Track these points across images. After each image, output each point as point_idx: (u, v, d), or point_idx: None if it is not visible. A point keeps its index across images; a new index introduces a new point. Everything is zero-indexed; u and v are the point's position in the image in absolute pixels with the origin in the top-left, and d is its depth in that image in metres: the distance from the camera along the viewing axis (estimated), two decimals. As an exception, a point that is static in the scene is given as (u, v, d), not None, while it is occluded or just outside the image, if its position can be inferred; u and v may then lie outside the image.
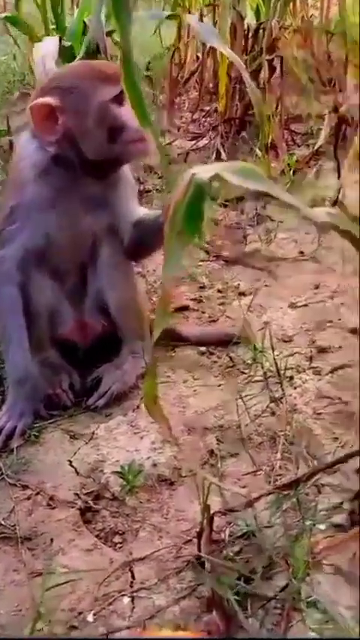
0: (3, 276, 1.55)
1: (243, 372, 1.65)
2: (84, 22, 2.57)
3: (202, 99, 3.59)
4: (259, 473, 1.35)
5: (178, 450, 1.38)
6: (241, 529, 1.19)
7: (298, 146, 3.24)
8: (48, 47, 2.03)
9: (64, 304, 1.62)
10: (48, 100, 1.46)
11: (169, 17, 2.77)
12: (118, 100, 1.45)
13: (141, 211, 1.65)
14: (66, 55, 2.32)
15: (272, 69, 3.12)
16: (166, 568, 1.16)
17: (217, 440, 1.44)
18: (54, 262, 1.59)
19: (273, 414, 1.49)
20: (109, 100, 1.45)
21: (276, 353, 1.59)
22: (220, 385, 1.61)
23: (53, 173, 1.52)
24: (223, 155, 2.97)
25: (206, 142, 3.24)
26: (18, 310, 1.55)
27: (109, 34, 2.44)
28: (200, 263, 2.22)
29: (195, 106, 3.64)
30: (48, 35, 2.62)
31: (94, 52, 2.19)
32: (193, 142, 3.26)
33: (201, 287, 2.08)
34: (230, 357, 1.70)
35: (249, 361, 1.67)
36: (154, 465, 1.36)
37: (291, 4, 3.38)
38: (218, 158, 2.95)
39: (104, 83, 1.45)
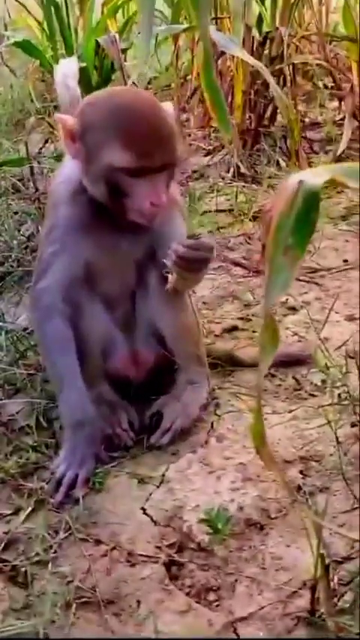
0: (47, 309, 1.44)
1: (312, 395, 1.53)
2: (96, 42, 2.49)
3: (210, 114, 3.50)
4: (355, 506, 1.22)
5: (263, 489, 1.25)
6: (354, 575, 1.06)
7: (316, 153, 3.15)
8: (68, 67, 1.94)
9: (117, 335, 1.51)
10: (68, 119, 1.35)
11: (185, 30, 2.68)
12: (136, 172, 1.29)
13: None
14: (81, 77, 2.22)
15: (279, 76, 3.04)
16: (274, 628, 1.03)
17: (302, 473, 1.31)
18: (103, 290, 1.48)
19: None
20: (119, 167, 1.28)
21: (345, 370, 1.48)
22: (290, 411, 1.49)
23: (87, 193, 1.39)
24: (243, 168, 2.87)
25: (221, 156, 3.14)
26: (68, 345, 1.43)
27: (124, 51, 2.35)
28: (240, 279, 2.11)
29: (204, 122, 3.55)
30: (57, 58, 2.53)
31: (109, 70, 2.09)
32: (208, 157, 3.17)
33: (246, 305, 1.96)
34: (296, 379, 1.58)
35: (317, 382, 1.55)
36: (240, 507, 1.23)
37: (296, 11, 3.30)
38: (238, 172, 2.86)
39: (124, 148, 1.27)
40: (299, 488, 1.28)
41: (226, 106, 0.86)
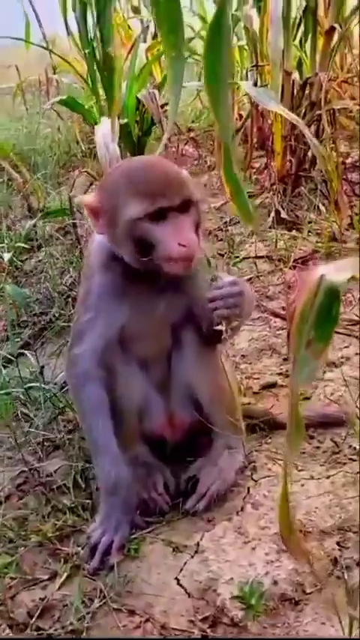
0: (83, 375, 1.46)
1: (351, 460, 1.50)
2: (137, 98, 2.55)
3: (251, 156, 3.53)
4: (393, 584, 1.19)
5: (298, 562, 1.23)
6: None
7: (358, 196, 3.13)
8: (107, 127, 1.99)
9: (153, 397, 1.52)
10: (89, 199, 1.41)
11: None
12: (156, 216, 1.32)
13: None
14: (122, 132, 2.28)
15: (319, 120, 3.05)
16: None
17: (339, 545, 1.28)
18: (139, 352, 1.49)
19: None
20: (139, 217, 1.32)
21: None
22: (329, 477, 1.46)
23: (119, 260, 1.41)
24: (283, 214, 2.87)
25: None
26: (103, 410, 1.45)
27: (163, 106, 2.40)
28: (279, 332, 2.10)
29: (244, 165, 3.57)
30: (100, 111, 2.60)
31: (150, 124, 2.13)
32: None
33: (285, 359, 1.95)
34: (334, 442, 1.56)
35: (356, 446, 1.52)
36: (275, 582, 1.21)
37: (337, 55, 3.32)
38: (278, 217, 2.86)
39: (139, 198, 1.32)
40: (336, 561, 1.25)
41: (246, 197, 0.87)
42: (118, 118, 2.26)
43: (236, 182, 0.90)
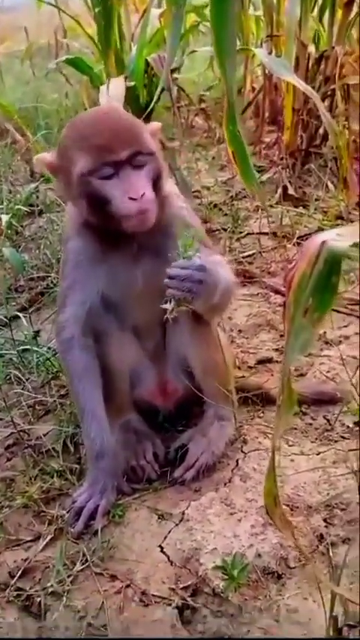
0: (67, 342, 1.44)
1: (343, 438, 1.49)
2: (146, 60, 2.49)
3: (262, 130, 3.47)
4: (378, 562, 1.18)
5: (283, 536, 1.22)
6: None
7: (368, 176, 3.08)
8: (114, 88, 1.94)
9: (146, 365, 1.50)
10: (47, 157, 1.35)
11: (238, 51, 2.65)
12: (105, 172, 1.26)
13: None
14: (129, 95, 2.23)
15: (333, 95, 2.99)
16: None
17: (326, 521, 1.27)
18: (131, 321, 1.47)
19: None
20: (87, 173, 1.26)
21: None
22: (319, 453, 1.45)
23: (93, 224, 1.35)
24: (291, 190, 2.83)
25: (269, 175, 3.11)
26: (90, 376, 1.43)
27: (172, 71, 2.34)
28: (278, 308, 2.07)
29: (254, 139, 3.52)
30: (108, 74, 2.54)
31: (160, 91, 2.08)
32: (257, 175, 3.12)
33: (282, 335, 1.92)
34: (327, 420, 1.54)
35: (349, 424, 1.51)
36: (259, 555, 1.20)
37: (353, 28, 3.24)
38: (286, 193, 2.82)
39: (85, 153, 1.26)
40: (321, 537, 1.24)
41: (249, 160, 0.84)
42: (126, 79, 2.21)
43: (240, 144, 0.88)
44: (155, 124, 1.39)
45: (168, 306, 1.23)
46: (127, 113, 1.36)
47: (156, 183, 1.30)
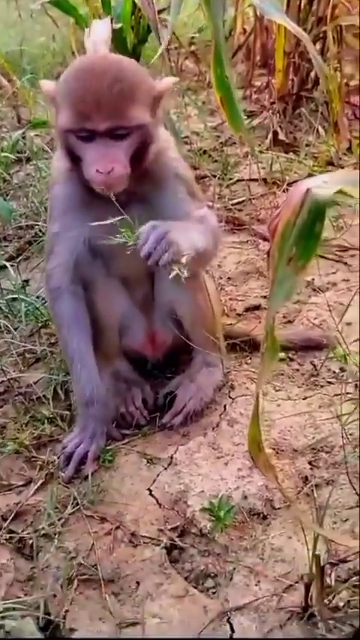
0: (56, 290, 1.44)
1: (329, 383, 1.51)
2: (133, 1, 2.41)
3: (253, 74, 3.40)
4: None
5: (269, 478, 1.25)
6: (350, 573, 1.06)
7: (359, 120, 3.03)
8: (100, 31, 1.88)
9: (134, 314, 1.51)
10: (49, 85, 1.31)
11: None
12: (83, 134, 1.24)
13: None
14: (117, 38, 2.16)
15: (325, 38, 2.91)
16: (267, 620, 1.05)
17: (310, 464, 1.31)
18: (119, 270, 1.46)
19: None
20: (67, 130, 1.25)
21: (366, 360, 1.45)
22: (305, 398, 1.48)
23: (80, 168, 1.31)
24: (281, 135, 2.78)
25: (260, 120, 3.05)
26: (79, 324, 1.44)
27: (160, 12, 2.27)
28: (266, 256, 2.06)
29: (245, 82, 3.44)
30: (94, 16, 2.46)
31: (146, 31, 2.02)
32: (247, 120, 3.08)
33: (271, 283, 1.93)
34: (314, 365, 1.56)
35: (336, 370, 1.53)
36: (245, 496, 1.23)
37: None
38: (276, 137, 2.77)
39: (68, 110, 1.23)
40: (306, 479, 1.27)
41: (238, 105, 0.83)
42: (112, 21, 2.14)
43: (227, 87, 0.86)
44: (168, 81, 1.32)
45: (174, 272, 1.19)
46: (131, 69, 1.28)
47: (141, 152, 1.27)
